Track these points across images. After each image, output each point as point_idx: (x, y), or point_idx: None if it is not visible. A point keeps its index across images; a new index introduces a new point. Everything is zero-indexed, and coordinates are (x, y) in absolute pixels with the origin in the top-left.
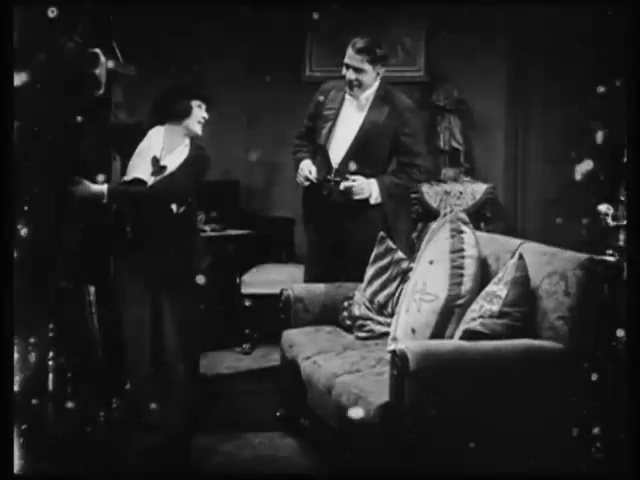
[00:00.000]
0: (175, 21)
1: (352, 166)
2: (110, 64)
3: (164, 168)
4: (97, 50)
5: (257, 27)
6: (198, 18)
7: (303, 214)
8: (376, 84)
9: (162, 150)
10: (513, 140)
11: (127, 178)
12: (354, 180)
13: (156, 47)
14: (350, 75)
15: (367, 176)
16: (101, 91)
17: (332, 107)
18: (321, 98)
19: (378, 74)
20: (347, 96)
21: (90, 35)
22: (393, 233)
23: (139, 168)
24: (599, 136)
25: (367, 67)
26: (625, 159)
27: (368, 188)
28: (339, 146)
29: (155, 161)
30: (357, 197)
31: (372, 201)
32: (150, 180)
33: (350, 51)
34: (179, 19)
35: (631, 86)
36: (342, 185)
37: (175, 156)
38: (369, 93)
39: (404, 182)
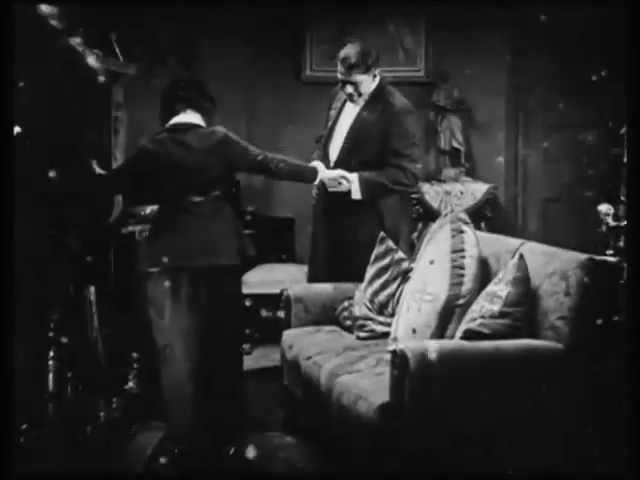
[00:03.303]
0: (175, 21)
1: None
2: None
3: None
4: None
5: (257, 27)
6: (198, 18)
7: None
8: (374, 84)
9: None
10: (514, 140)
11: None
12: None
13: (156, 46)
14: (349, 89)
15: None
16: None
17: (335, 107)
18: (331, 102)
19: (375, 76)
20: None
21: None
22: (389, 233)
23: None
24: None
25: (362, 77)
26: (625, 159)
27: (345, 182)
28: (337, 143)
29: None
30: (332, 189)
31: (352, 196)
32: None
33: (341, 68)
34: (179, 19)
35: (630, 86)
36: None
37: None
38: (367, 92)
39: (384, 181)
